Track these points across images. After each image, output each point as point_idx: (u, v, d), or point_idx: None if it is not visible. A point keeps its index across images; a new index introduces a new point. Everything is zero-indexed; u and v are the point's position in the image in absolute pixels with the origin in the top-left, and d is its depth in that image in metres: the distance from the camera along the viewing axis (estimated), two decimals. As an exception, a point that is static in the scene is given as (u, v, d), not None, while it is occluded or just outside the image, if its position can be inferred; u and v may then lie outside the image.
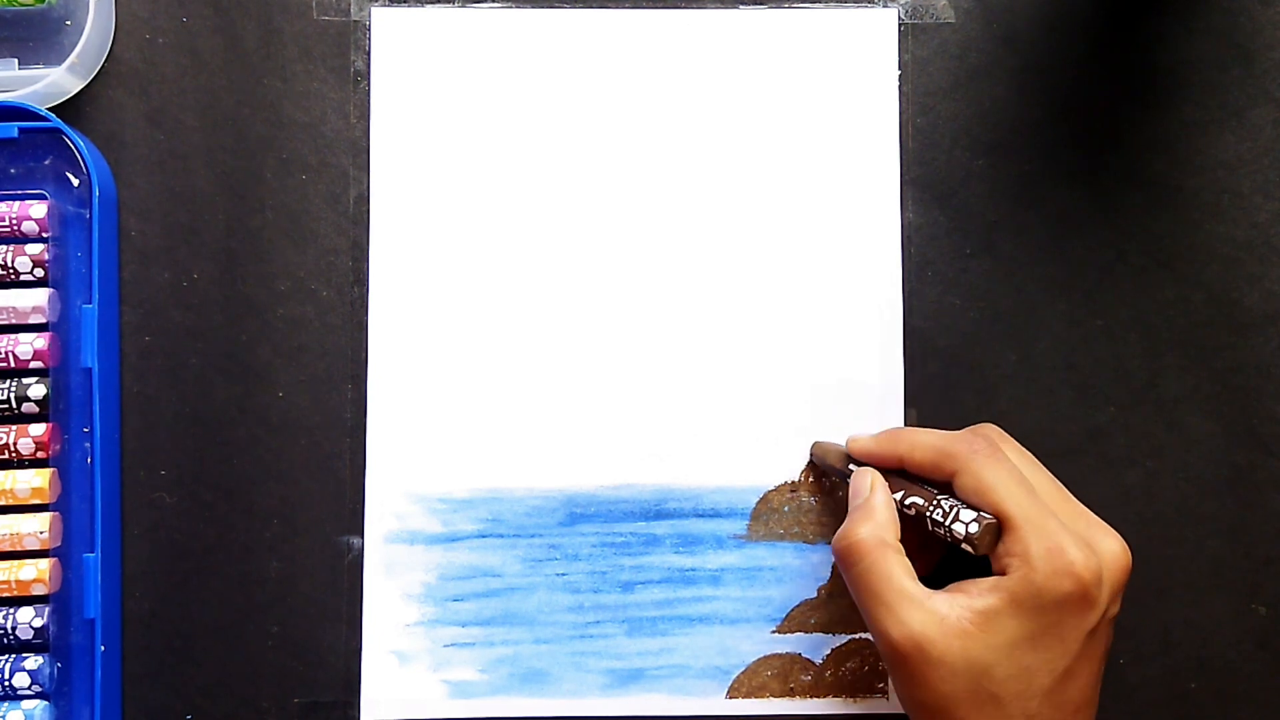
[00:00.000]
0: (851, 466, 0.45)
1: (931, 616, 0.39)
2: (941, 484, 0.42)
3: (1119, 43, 0.48)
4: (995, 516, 0.40)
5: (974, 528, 0.40)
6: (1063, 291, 0.48)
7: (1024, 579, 0.39)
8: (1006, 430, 0.47)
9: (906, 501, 0.42)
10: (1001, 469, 0.41)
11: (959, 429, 0.43)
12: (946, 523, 0.41)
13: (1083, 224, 0.48)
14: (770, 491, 0.48)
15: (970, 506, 0.41)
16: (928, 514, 0.41)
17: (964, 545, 0.40)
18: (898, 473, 0.44)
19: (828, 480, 0.48)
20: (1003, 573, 0.40)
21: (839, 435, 0.47)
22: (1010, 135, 0.48)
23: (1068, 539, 0.39)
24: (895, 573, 0.40)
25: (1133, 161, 0.48)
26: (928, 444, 0.43)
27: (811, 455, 0.48)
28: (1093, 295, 0.48)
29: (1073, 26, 0.48)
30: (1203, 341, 0.48)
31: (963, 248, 0.48)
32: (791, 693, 0.47)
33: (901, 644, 0.39)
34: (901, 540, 0.42)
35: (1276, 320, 0.48)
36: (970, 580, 0.40)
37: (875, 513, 0.42)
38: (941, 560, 0.44)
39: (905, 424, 0.47)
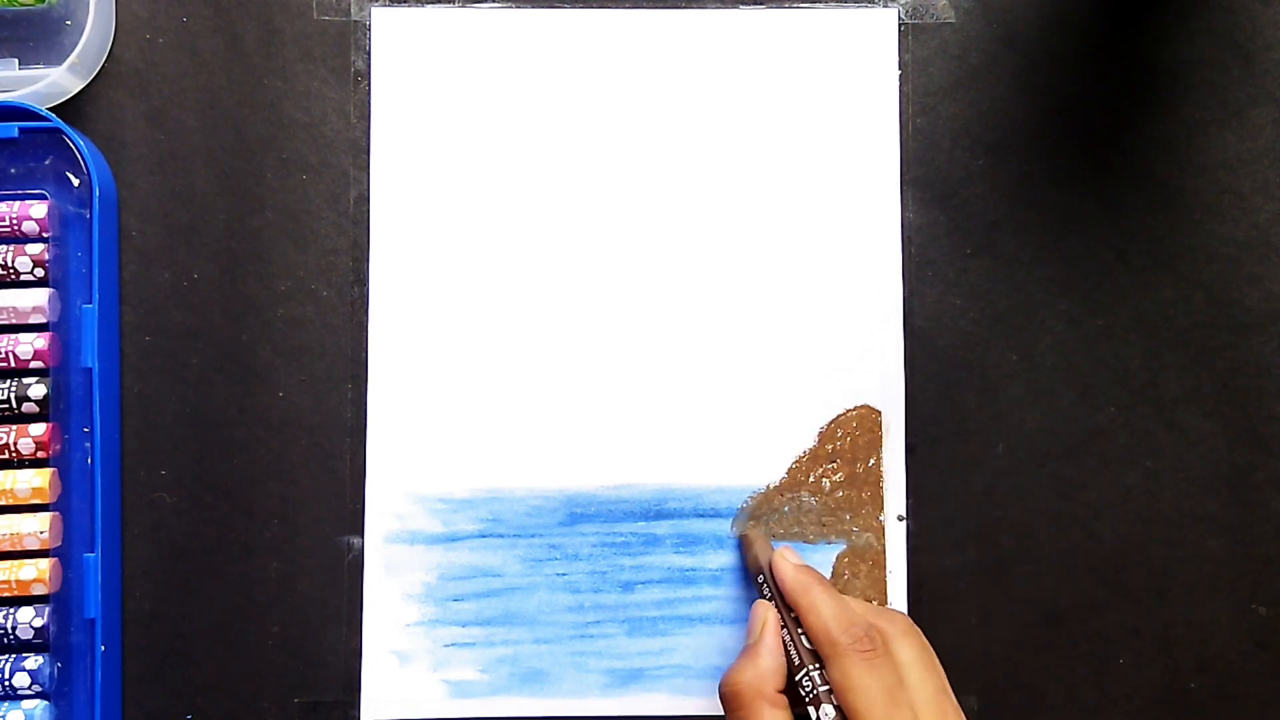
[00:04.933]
0: (760, 579, 0.45)
1: None
2: None
3: (1119, 43, 0.48)
4: None
5: None
6: (1063, 291, 0.48)
7: None
8: (1006, 431, 0.47)
9: (790, 652, 0.42)
10: (872, 675, 0.40)
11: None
12: (806, 701, 0.41)
13: (1083, 224, 0.48)
14: (770, 491, 0.48)
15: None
16: (797, 679, 0.41)
17: None
18: None
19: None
20: None
21: (839, 434, 0.47)
22: (1010, 135, 0.48)
23: None
24: None
25: (1133, 161, 0.48)
26: (821, 619, 0.42)
27: (740, 540, 0.47)
28: (1093, 295, 0.48)
29: (1073, 26, 0.48)
30: (1203, 341, 0.48)
31: (963, 248, 0.48)
32: (791, 693, 0.47)
33: None
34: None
35: (1276, 320, 0.48)
36: None
37: (761, 659, 0.42)
38: None
39: (905, 431, 0.47)
